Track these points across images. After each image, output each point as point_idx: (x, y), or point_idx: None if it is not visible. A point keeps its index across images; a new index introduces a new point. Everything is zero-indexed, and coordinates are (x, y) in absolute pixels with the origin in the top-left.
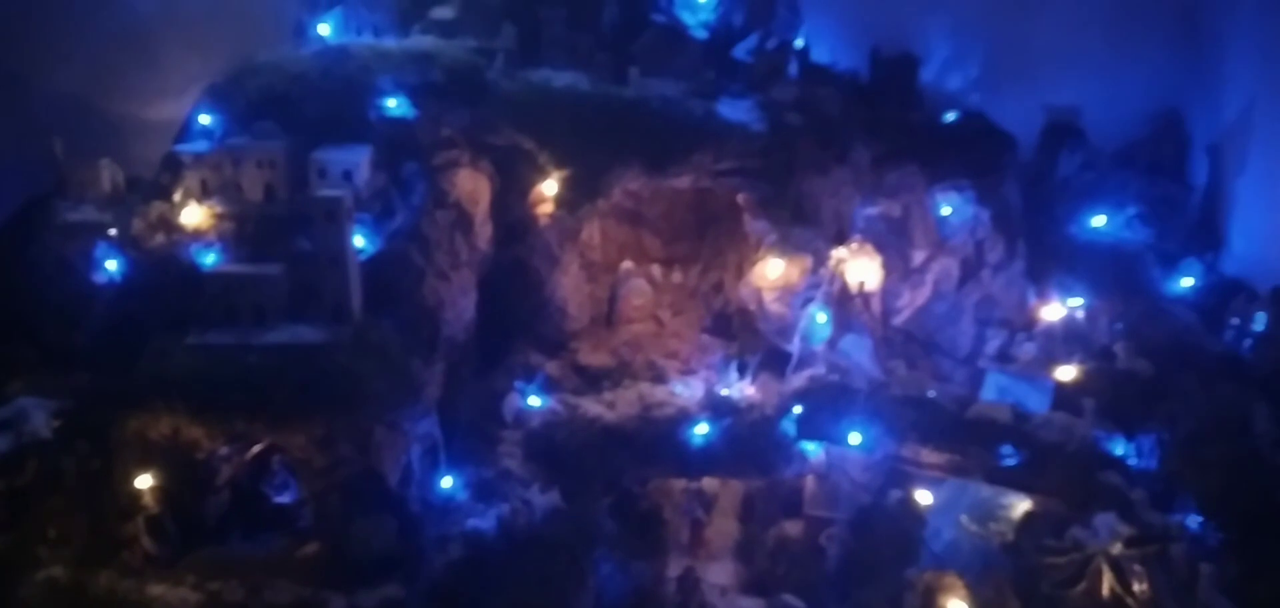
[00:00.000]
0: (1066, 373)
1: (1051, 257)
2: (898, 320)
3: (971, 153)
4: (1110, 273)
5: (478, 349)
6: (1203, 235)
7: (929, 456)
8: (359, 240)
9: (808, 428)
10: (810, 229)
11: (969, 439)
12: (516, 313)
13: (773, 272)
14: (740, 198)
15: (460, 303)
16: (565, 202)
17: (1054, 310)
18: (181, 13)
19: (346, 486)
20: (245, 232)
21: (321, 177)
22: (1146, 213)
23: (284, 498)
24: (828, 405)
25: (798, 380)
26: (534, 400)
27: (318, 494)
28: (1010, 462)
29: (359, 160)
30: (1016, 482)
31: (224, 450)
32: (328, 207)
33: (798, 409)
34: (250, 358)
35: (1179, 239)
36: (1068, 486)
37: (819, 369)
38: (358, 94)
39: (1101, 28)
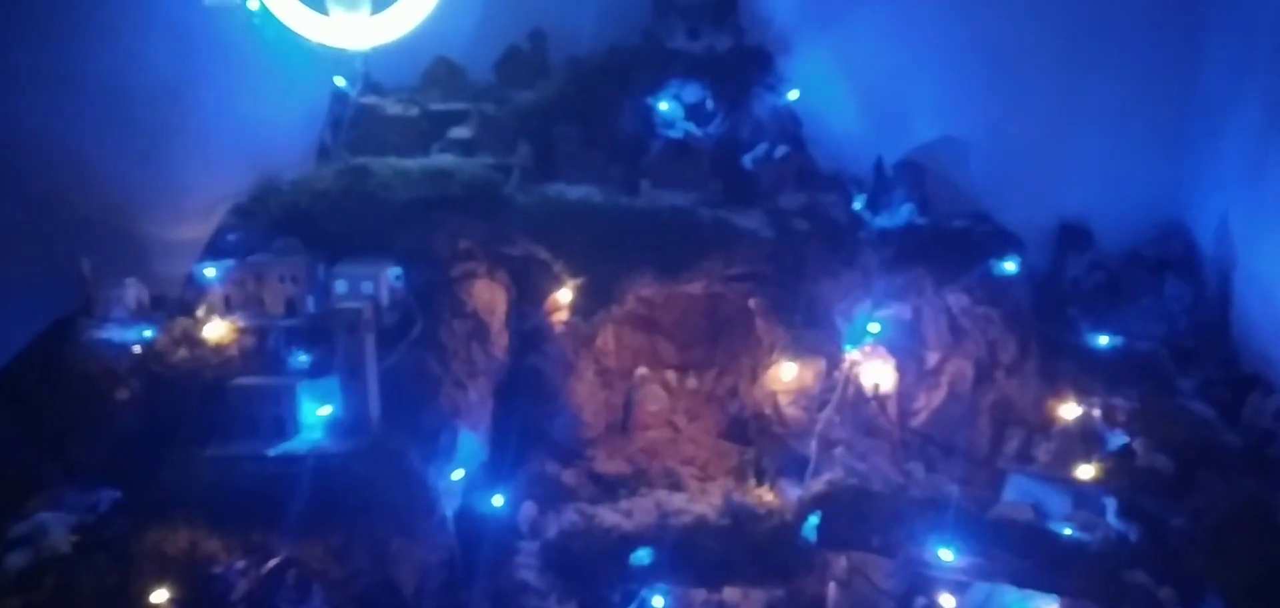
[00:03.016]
0: (1087, 472)
1: (1064, 356)
2: (915, 422)
3: (980, 255)
4: (1124, 371)
5: (493, 459)
6: (1215, 331)
7: (953, 560)
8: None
9: (828, 534)
10: (822, 332)
11: (993, 542)
12: (532, 421)
13: (787, 375)
14: (752, 302)
15: (477, 412)
16: (580, 309)
17: (1070, 410)
18: (208, 135)
19: (363, 598)
20: (265, 346)
21: (343, 290)
22: (1159, 310)
23: None
24: (848, 510)
25: (817, 485)
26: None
27: (337, 604)
28: (1036, 564)
29: (380, 274)
30: (1044, 583)
31: (240, 564)
32: (349, 319)
33: (815, 518)
34: (269, 469)
35: (1192, 336)
36: (1096, 585)
37: (838, 473)
38: (378, 210)
39: (1104, 136)
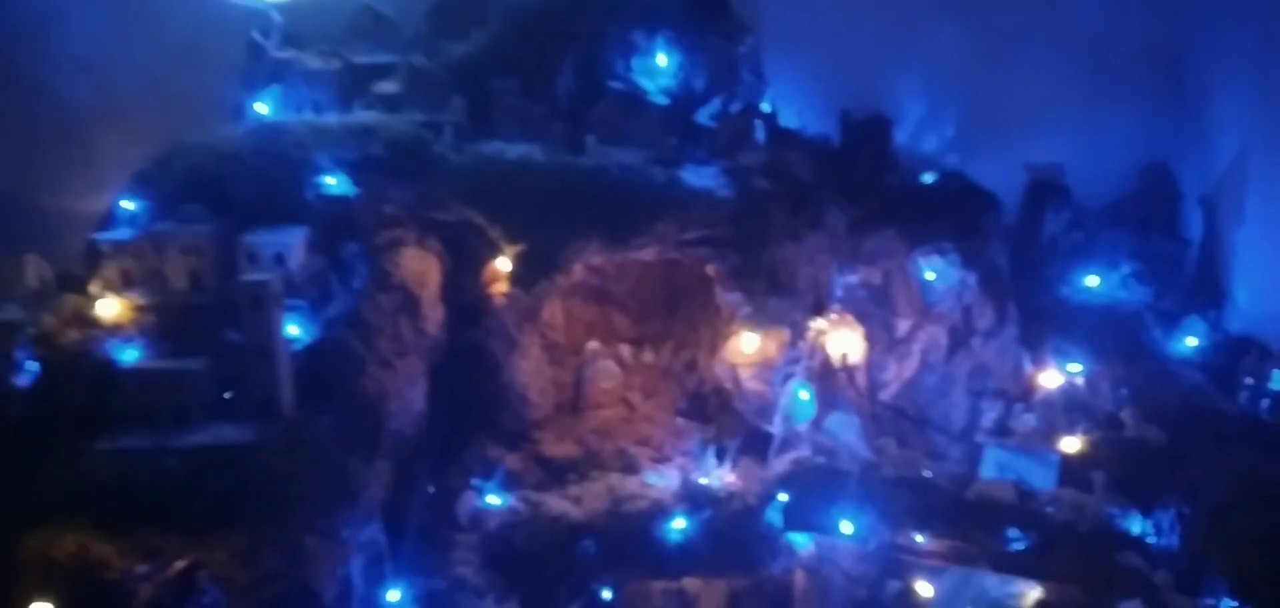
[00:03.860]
0: (1072, 444)
1: (1045, 321)
2: (886, 395)
3: (953, 214)
4: (1108, 336)
5: (430, 444)
6: (1203, 292)
7: (929, 543)
8: (291, 329)
9: (795, 517)
10: (786, 299)
11: (971, 523)
12: (473, 403)
13: (748, 346)
14: (710, 269)
15: (408, 393)
16: (522, 279)
17: (1052, 378)
18: (115, 100)
19: (275, 603)
20: (167, 324)
21: (251, 261)
22: (1142, 271)
23: None
24: (816, 491)
25: (782, 465)
26: (493, 499)
27: None
28: (1018, 546)
29: (292, 242)
30: (1026, 568)
31: (140, 569)
32: (253, 292)
33: (783, 497)
34: (167, 463)
35: (1178, 297)
36: (1084, 570)
37: (804, 451)
38: (293, 173)
39: (1081, 83)
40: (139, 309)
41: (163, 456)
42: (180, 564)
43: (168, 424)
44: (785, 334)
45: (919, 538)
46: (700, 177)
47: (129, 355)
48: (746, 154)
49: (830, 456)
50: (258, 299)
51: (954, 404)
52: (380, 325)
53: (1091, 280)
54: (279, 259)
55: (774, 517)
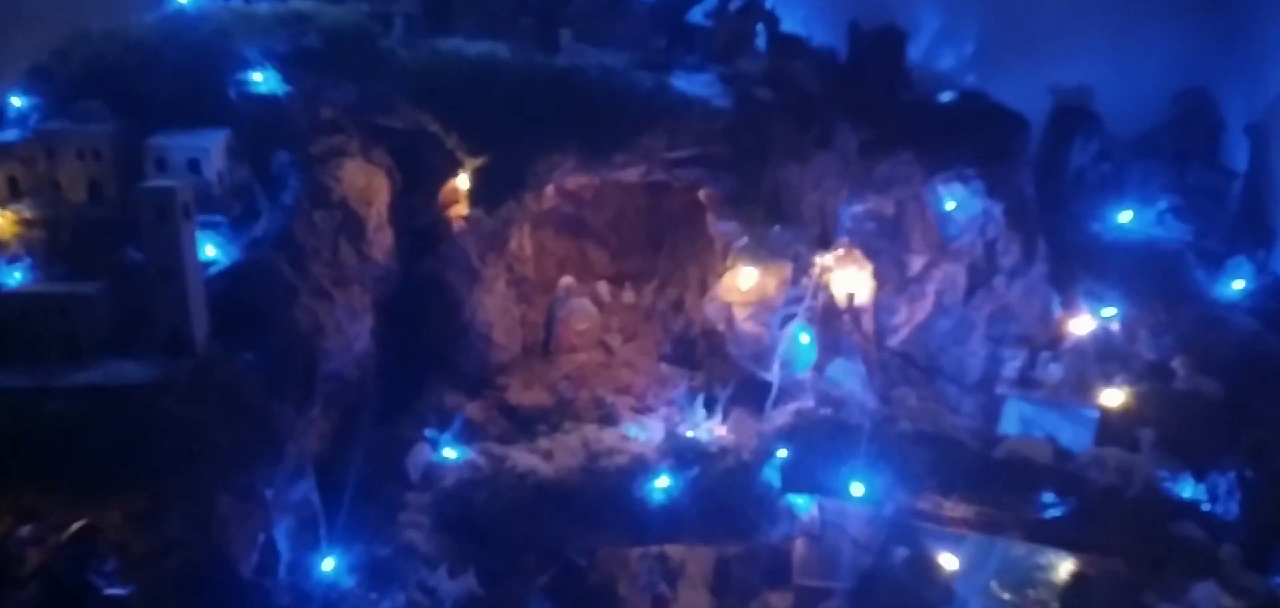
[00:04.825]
0: (1113, 398)
1: (1074, 260)
2: (894, 340)
3: (977, 137)
4: (1145, 277)
5: (377, 389)
6: (1249, 229)
7: (951, 508)
8: (208, 249)
9: (795, 477)
10: (789, 230)
11: (1001, 485)
12: (427, 342)
13: (745, 282)
14: (702, 193)
15: (349, 329)
16: (485, 199)
17: (1083, 323)
18: None
19: (181, 575)
20: (60, 241)
21: (160, 168)
22: (1181, 206)
23: (118, 590)
24: (820, 448)
25: (781, 417)
26: (449, 452)
27: (143, 587)
28: (1054, 513)
29: (209, 147)
30: (1064, 538)
31: (25, 531)
32: (158, 200)
33: (782, 453)
34: (51, 406)
35: (1222, 235)
36: (1131, 542)
37: (807, 402)
38: (213, 67)
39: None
40: (26, 223)
41: (46, 397)
42: (76, 526)
43: (54, 360)
44: (787, 270)
45: (943, 503)
46: (693, 84)
47: (13, 278)
48: (746, 60)
49: (837, 407)
50: (164, 210)
51: (970, 352)
52: (316, 248)
53: (1124, 216)
54: (194, 166)
55: (772, 476)
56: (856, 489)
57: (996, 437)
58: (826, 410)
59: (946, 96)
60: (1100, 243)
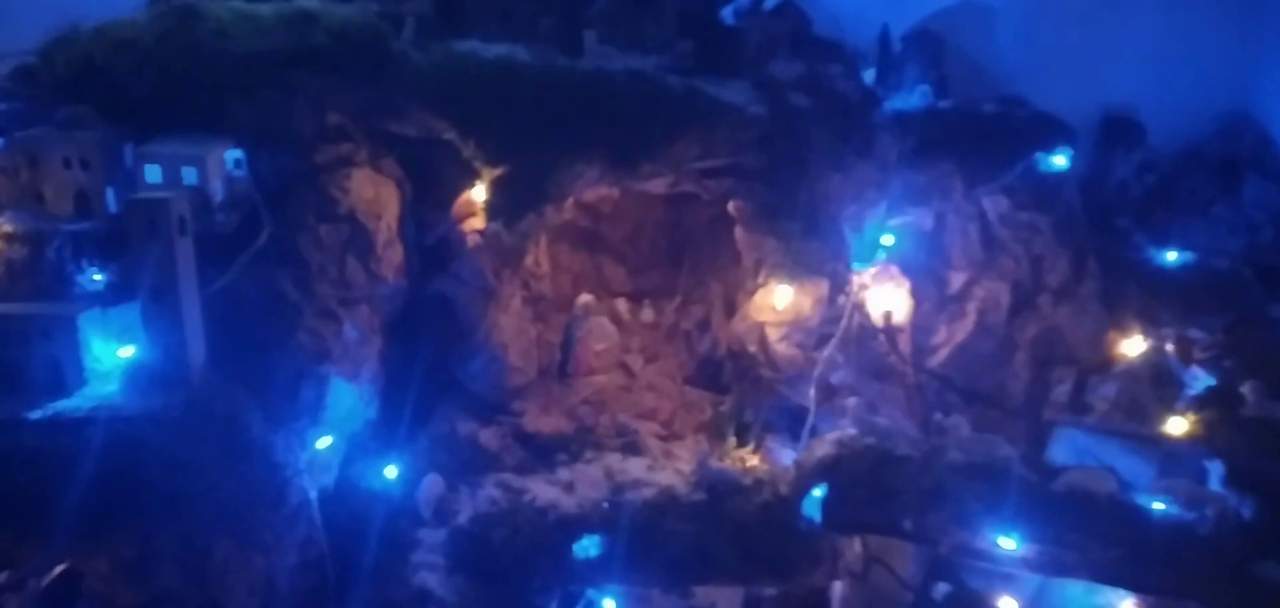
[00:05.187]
0: (1177, 425)
1: (1123, 277)
2: (932, 362)
3: (1021, 147)
4: (1200, 295)
5: (384, 415)
6: None
7: (1011, 546)
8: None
9: (838, 513)
10: (828, 244)
11: (1062, 521)
12: (438, 367)
13: (781, 301)
14: (732, 205)
15: (356, 353)
16: (501, 212)
17: (1135, 344)
18: None
19: None
20: (45, 258)
21: (154, 180)
22: (1234, 220)
23: None
24: (865, 481)
25: (821, 447)
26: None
27: None
28: (1120, 550)
29: (207, 157)
30: (1131, 578)
31: (1, 577)
32: (150, 213)
33: (818, 491)
34: (30, 440)
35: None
36: (1208, 583)
37: (849, 430)
38: (212, 70)
39: (1154, 7)
40: (7, 238)
41: (24, 431)
42: (57, 570)
43: (37, 389)
44: (824, 287)
45: (1006, 542)
46: (725, 89)
47: None
48: (779, 64)
49: (882, 437)
50: (155, 223)
51: (1012, 375)
52: (322, 266)
53: (1174, 232)
54: (190, 177)
55: (812, 511)
56: (907, 527)
57: (1054, 468)
58: (871, 440)
59: (988, 107)
60: (1150, 259)
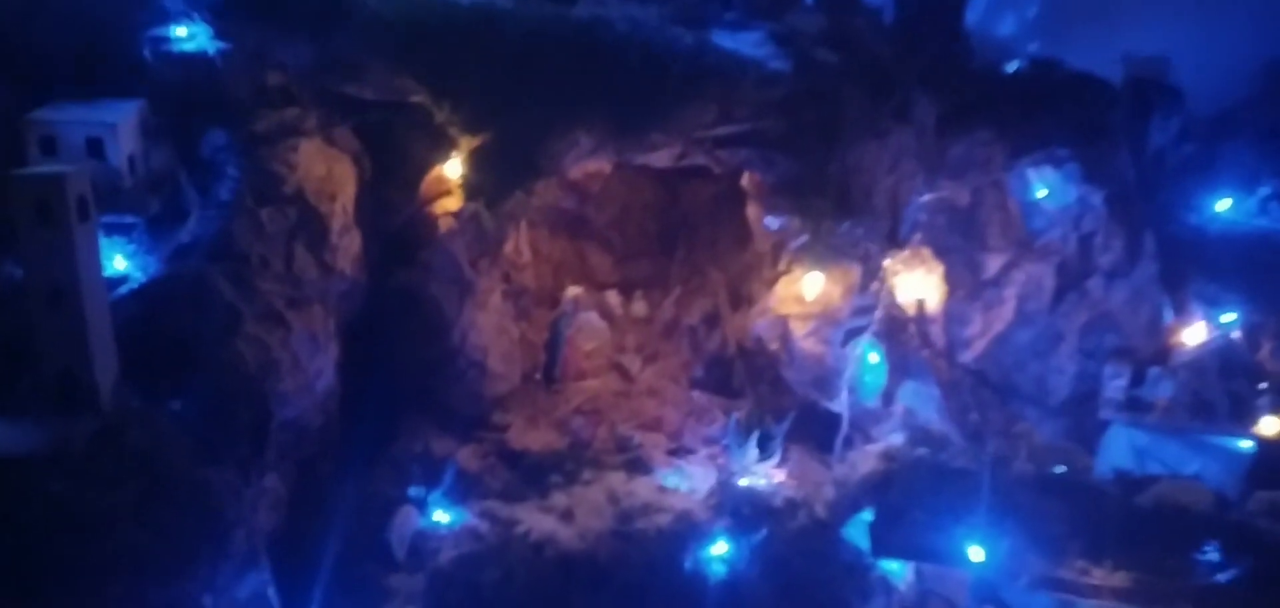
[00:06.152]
0: (1271, 425)
1: (1177, 256)
2: (966, 356)
3: (1067, 112)
4: (1261, 274)
5: (344, 436)
6: None
7: (1103, 576)
8: (116, 261)
9: (889, 538)
10: (860, 224)
11: (1155, 543)
12: (408, 373)
13: (810, 291)
14: (745, 180)
15: (309, 363)
16: (483, 190)
17: (1197, 332)
18: None
19: None
20: None
21: (49, 150)
22: None
23: None
24: (921, 500)
25: (865, 461)
26: (441, 515)
27: None
28: (1224, 576)
29: (117, 123)
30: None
31: None
32: (41, 193)
33: (866, 513)
34: None
35: None
36: None
37: (896, 438)
38: (123, 19)
39: None
40: None
41: None
42: None
43: None
44: (855, 274)
45: (1090, 569)
46: (740, 42)
47: None
48: (801, 16)
49: (936, 446)
50: (49, 206)
51: (1054, 368)
52: (264, 258)
53: (1222, 205)
54: (95, 148)
55: (858, 537)
56: (975, 555)
57: (1136, 480)
58: (922, 451)
59: (1012, 66)
60: (1202, 236)
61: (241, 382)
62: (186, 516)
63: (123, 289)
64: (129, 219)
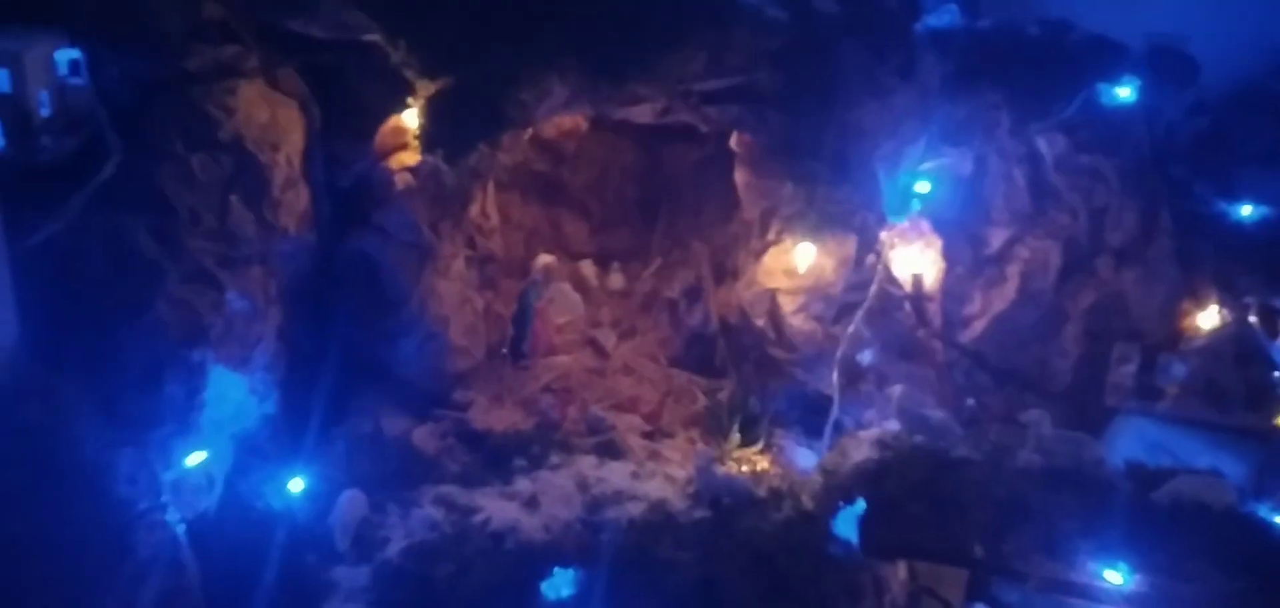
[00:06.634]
0: None
1: (1190, 236)
2: (965, 337)
3: (1080, 74)
4: (1276, 254)
5: (286, 415)
6: None
7: (1117, 579)
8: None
9: (881, 534)
10: (860, 190)
11: (1174, 544)
12: (360, 345)
13: (803, 261)
14: (734, 141)
15: (246, 330)
16: (442, 141)
17: (1210, 315)
18: None
19: None
20: None
21: None
22: None
23: None
24: (916, 492)
25: (857, 448)
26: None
27: None
28: (1252, 582)
29: (22, 55)
30: None
31: None
32: None
33: (856, 505)
34: None
35: None
36: None
37: (890, 424)
38: None
39: None
40: None
41: None
42: None
43: None
44: (851, 246)
45: (1104, 573)
46: None
47: None
48: None
49: (935, 435)
50: None
51: (1058, 351)
52: (194, 211)
53: (1236, 181)
54: (3, 85)
55: (847, 531)
56: (977, 552)
57: (1151, 474)
58: (920, 439)
59: (1030, 29)
60: (1220, 214)
61: (166, 351)
62: (86, 504)
63: (28, 241)
64: (40, 160)
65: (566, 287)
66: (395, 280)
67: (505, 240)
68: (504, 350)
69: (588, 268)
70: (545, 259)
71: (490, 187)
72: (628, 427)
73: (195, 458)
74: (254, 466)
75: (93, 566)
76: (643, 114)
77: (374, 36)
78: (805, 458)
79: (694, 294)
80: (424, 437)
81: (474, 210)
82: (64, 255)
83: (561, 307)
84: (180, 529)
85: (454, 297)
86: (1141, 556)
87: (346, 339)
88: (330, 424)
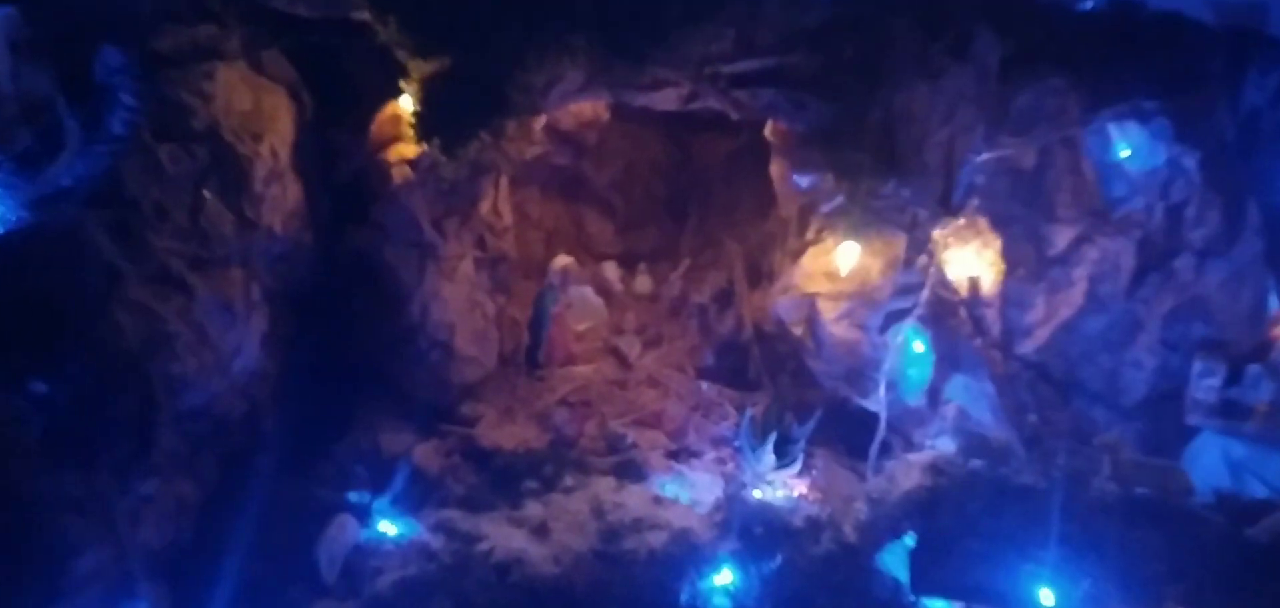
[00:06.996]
0: None
1: (1277, 232)
2: (1026, 347)
3: (1154, 57)
4: None
5: (275, 431)
6: None
7: None
8: None
9: (935, 571)
10: (908, 184)
11: (1269, 586)
12: (360, 354)
13: (845, 264)
14: (769, 131)
15: (220, 339)
16: (439, 130)
17: None
18: None
19: None
20: None
21: None
22: None
23: None
24: (975, 524)
25: (907, 473)
26: (387, 527)
27: None
28: None
29: None
30: None
31: None
32: None
33: (907, 537)
34: None
35: None
36: None
37: (946, 445)
38: None
39: None
40: None
41: None
42: None
43: None
44: (899, 245)
45: None
46: None
47: None
48: None
49: (996, 458)
50: None
51: (1130, 362)
52: (160, 206)
53: None
54: None
55: (895, 566)
56: (1044, 598)
57: (1246, 505)
58: (977, 463)
59: (1088, 4)
60: None
61: (119, 360)
62: (45, 523)
63: None
64: None
65: (587, 291)
66: (396, 283)
67: (523, 240)
68: (520, 359)
69: (611, 270)
70: (563, 260)
71: (503, 182)
72: (650, 444)
73: (153, 483)
74: (229, 496)
75: (53, 570)
76: (667, 101)
77: (364, 15)
78: (848, 483)
79: (726, 299)
80: (428, 454)
81: (484, 207)
82: (15, 256)
83: (581, 312)
84: (136, 562)
85: (460, 301)
86: (1236, 601)
87: (347, 348)
88: (327, 441)
